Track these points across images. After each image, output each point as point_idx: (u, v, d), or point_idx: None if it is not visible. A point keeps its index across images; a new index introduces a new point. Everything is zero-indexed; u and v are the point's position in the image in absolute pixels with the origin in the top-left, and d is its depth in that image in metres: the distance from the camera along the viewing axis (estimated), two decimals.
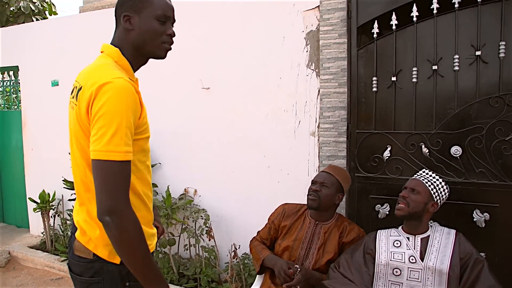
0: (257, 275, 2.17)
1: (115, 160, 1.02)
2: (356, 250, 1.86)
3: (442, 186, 1.87)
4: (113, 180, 1.02)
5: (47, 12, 10.38)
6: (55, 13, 10.45)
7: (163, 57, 1.24)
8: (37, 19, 10.11)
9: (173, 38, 1.24)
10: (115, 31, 1.23)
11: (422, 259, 1.72)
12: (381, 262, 1.77)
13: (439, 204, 1.87)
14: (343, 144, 2.50)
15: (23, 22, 9.50)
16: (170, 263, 2.91)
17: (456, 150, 2.27)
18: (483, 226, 2.22)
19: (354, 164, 2.49)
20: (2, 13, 9.57)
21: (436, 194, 1.84)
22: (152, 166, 3.13)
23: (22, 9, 9.95)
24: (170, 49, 1.25)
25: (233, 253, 2.69)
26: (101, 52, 1.22)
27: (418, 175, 1.94)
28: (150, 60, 1.27)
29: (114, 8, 1.23)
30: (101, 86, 1.03)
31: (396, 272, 1.74)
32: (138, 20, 1.17)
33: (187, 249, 2.98)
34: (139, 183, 1.18)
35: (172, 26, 1.23)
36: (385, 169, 2.40)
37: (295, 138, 2.69)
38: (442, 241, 1.74)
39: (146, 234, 1.13)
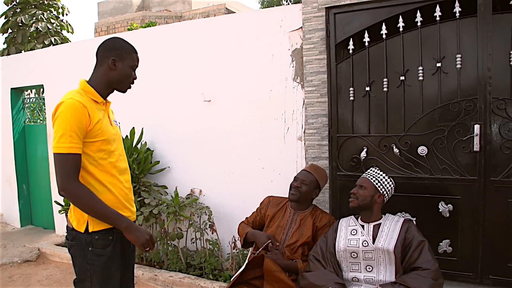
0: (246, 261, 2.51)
1: (61, 152, 1.48)
2: (327, 239, 2.18)
3: (386, 180, 2.14)
4: (61, 167, 1.48)
5: (64, 32, 10.99)
6: (72, 32, 11.05)
7: (125, 92, 1.74)
8: (55, 39, 10.72)
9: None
10: (96, 66, 1.68)
11: (374, 242, 2.04)
12: (340, 248, 2.10)
13: (386, 195, 2.14)
14: (325, 147, 2.84)
15: (42, 41, 10.12)
16: (179, 254, 3.27)
17: (422, 150, 2.58)
18: (448, 216, 2.53)
19: (335, 164, 2.83)
20: (23, 36, 10.23)
21: (381, 187, 2.12)
22: (162, 170, 3.54)
23: (40, 29, 10.59)
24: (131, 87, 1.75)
25: (233, 245, 3.04)
26: None
27: (365, 174, 2.22)
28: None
29: (97, 49, 1.68)
30: (58, 105, 1.53)
31: (354, 255, 2.06)
32: (121, 66, 1.65)
33: (193, 242, 3.34)
34: (102, 174, 1.60)
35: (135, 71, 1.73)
36: (362, 168, 2.72)
37: (284, 142, 3.04)
38: (391, 227, 2.05)
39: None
